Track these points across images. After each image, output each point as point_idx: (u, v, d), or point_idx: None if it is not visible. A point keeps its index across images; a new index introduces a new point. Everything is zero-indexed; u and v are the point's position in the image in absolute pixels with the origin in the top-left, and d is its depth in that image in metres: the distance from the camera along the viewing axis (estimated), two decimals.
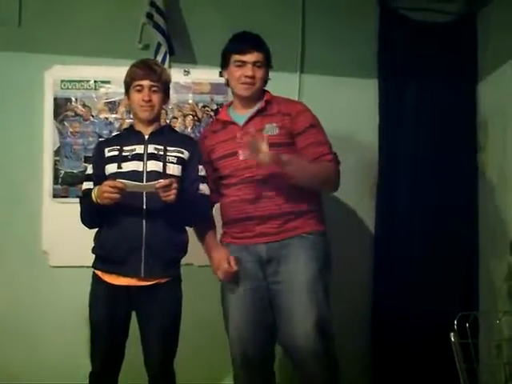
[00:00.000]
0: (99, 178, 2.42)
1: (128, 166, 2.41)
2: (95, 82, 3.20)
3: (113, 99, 3.21)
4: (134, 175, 2.37)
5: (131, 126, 2.58)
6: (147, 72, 2.44)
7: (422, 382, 3.19)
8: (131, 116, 3.17)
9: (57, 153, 3.17)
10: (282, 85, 3.28)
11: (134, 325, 2.48)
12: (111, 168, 2.43)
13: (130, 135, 2.51)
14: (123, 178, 2.31)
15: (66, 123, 3.18)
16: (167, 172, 2.41)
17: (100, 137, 3.14)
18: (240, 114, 2.57)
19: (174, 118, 3.22)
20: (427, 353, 3.21)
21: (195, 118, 3.26)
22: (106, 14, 3.20)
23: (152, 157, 2.43)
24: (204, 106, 3.27)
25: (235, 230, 2.54)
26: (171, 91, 2.65)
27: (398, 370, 3.25)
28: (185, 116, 3.25)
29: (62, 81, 3.18)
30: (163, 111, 2.86)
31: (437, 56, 3.36)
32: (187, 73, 3.20)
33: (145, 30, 3.13)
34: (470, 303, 3.30)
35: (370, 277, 3.36)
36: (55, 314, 3.15)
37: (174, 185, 2.28)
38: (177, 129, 3.08)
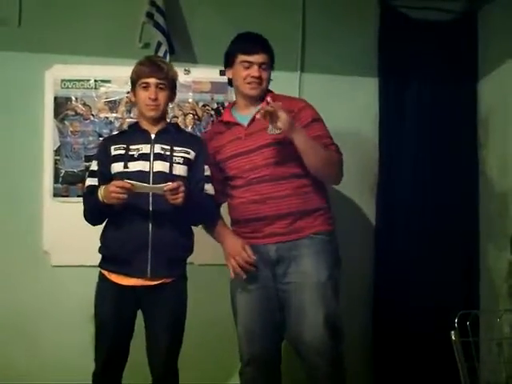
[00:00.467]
0: (105, 176, 2.42)
1: (134, 166, 2.41)
2: (95, 81, 3.20)
3: (113, 98, 3.21)
4: (140, 175, 2.37)
5: (137, 124, 2.55)
6: (154, 69, 2.42)
7: (422, 380, 3.20)
8: (131, 115, 3.20)
9: (57, 152, 3.17)
10: (282, 84, 3.28)
11: (138, 325, 2.48)
12: (117, 167, 2.42)
13: (136, 133, 2.49)
14: (129, 178, 2.31)
15: (66, 122, 3.18)
16: (173, 173, 2.41)
17: (100, 136, 3.14)
18: (243, 115, 2.58)
19: (175, 116, 3.22)
20: (428, 350, 3.22)
21: (195, 116, 3.26)
22: (107, 13, 3.20)
23: (158, 157, 2.42)
24: (204, 105, 3.27)
25: (244, 231, 2.55)
26: None
27: (398, 368, 3.26)
28: (185, 115, 3.26)
29: (63, 80, 3.18)
30: None
31: (437, 54, 3.36)
32: (187, 72, 3.20)
33: (145, 29, 3.13)
34: (470, 301, 3.30)
35: (371, 274, 3.36)
36: (57, 314, 3.15)
37: (182, 188, 2.27)
38: None
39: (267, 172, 2.46)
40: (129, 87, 3.02)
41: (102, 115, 3.21)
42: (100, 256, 2.48)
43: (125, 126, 3.15)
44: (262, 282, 2.50)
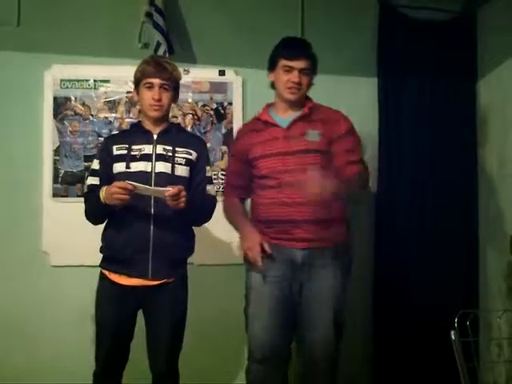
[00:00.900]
0: (107, 175, 2.42)
1: (136, 166, 2.40)
2: (95, 81, 3.20)
3: (112, 98, 3.21)
4: (143, 176, 2.37)
5: (139, 124, 2.54)
6: (158, 70, 2.41)
7: (422, 380, 3.20)
8: (131, 115, 3.19)
9: (56, 152, 3.17)
10: None
11: (138, 325, 2.48)
12: (119, 167, 2.41)
13: (138, 133, 2.49)
14: (131, 178, 2.30)
15: (65, 122, 3.18)
16: (175, 173, 2.41)
17: (99, 136, 3.14)
18: (282, 117, 2.60)
19: (174, 116, 3.21)
20: (427, 350, 3.22)
21: (195, 116, 3.26)
22: (106, 13, 3.20)
23: (161, 158, 2.42)
24: (203, 105, 3.27)
25: (270, 231, 2.56)
26: None
27: (398, 367, 3.26)
28: (184, 115, 3.25)
29: (62, 80, 3.17)
30: None
31: (436, 54, 3.36)
32: (187, 72, 3.19)
33: (144, 29, 3.12)
34: (469, 301, 3.31)
35: (371, 275, 3.36)
36: (56, 314, 3.14)
37: (183, 193, 2.27)
38: None
39: (302, 176, 2.46)
40: (128, 87, 3.04)
41: (102, 115, 3.21)
42: (100, 256, 2.47)
43: (124, 126, 3.15)
44: (283, 284, 2.53)
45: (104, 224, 2.47)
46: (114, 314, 2.40)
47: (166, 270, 2.40)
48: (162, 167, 2.40)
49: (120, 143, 2.45)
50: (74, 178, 3.16)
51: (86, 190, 2.54)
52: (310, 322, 2.52)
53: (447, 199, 3.35)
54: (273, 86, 2.64)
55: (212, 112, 3.27)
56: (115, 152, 2.44)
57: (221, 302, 3.23)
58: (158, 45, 3.06)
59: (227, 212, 2.71)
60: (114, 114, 3.21)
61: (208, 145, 3.13)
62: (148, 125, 2.49)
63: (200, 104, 3.27)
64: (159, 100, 2.41)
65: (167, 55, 3.00)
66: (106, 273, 2.43)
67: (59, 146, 3.17)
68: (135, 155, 2.41)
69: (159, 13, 3.07)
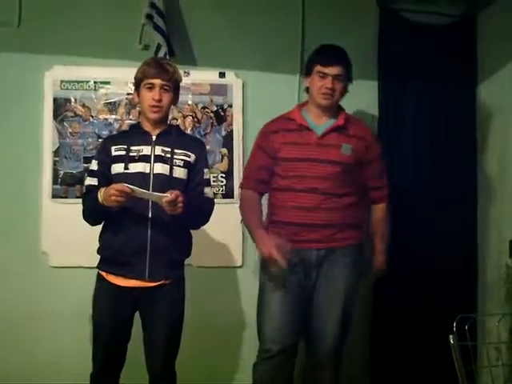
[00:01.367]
0: (105, 176, 2.42)
1: (135, 167, 2.40)
2: (95, 82, 3.20)
3: (112, 100, 3.21)
4: (141, 177, 2.37)
5: (138, 125, 2.55)
6: (159, 71, 2.42)
7: None
8: (131, 117, 3.19)
9: (56, 153, 3.17)
10: (282, 87, 3.30)
11: (135, 326, 2.48)
12: (118, 168, 2.42)
13: (137, 134, 2.49)
14: (129, 180, 2.31)
15: (65, 124, 3.18)
16: (174, 175, 2.41)
17: (99, 137, 3.14)
18: (316, 123, 2.66)
19: (174, 118, 3.21)
20: (426, 354, 3.22)
21: (195, 119, 3.26)
22: (106, 14, 3.20)
23: (159, 159, 2.42)
24: (203, 107, 3.27)
25: (285, 232, 2.60)
26: None
27: (397, 371, 3.26)
28: (184, 117, 3.25)
29: (62, 81, 3.17)
30: None
31: (437, 58, 3.36)
32: (187, 74, 3.19)
33: (145, 31, 3.12)
34: (468, 305, 3.30)
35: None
36: (55, 315, 3.14)
37: (180, 198, 2.27)
38: None
39: (327, 185, 2.58)
40: (128, 89, 3.05)
41: (102, 117, 3.21)
42: (98, 257, 2.48)
43: (124, 128, 3.15)
44: (299, 283, 2.61)
45: (101, 225, 2.47)
46: (110, 315, 2.40)
47: (163, 271, 2.40)
48: (160, 169, 2.41)
49: (118, 144, 2.45)
50: (74, 180, 3.16)
51: (83, 191, 2.54)
52: (320, 321, 2.61)
53: (446, 203, 3.35)
54: (307, 90, 2.71)
55: (212, 114, 3.27)
56: (114, 153, 2.44)
57: (219, 304, 3.24)
58: (159, 47, 3.06)
59: (244, 207, 2.73)
60: (114, 116, 3.21)
61: (208, 147, 3.13)
62: (147, 126, 2.49)
63: (200, 106, 3.27)
64: (159, 101, 2.41)
65: (168, 57, 3.00)
66: (103, 274, 2.43)
67: (59, 147, 3.17)
68: (134, 156, 2.42)
69: (160, 15, 3.07)
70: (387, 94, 3.36)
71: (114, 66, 3.17)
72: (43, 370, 3.09)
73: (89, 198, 2.42)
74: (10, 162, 3.16)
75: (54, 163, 3.16)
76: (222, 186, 3.25)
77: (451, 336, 2.02)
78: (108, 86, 3.21)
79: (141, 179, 2.36)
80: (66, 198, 3.15)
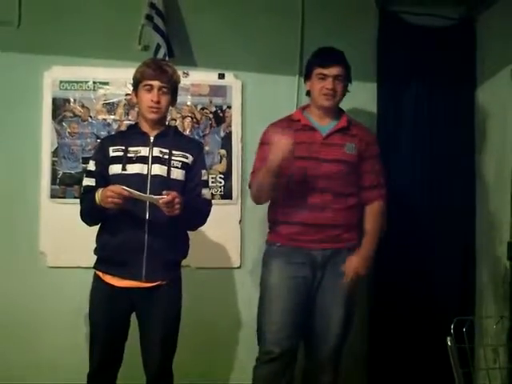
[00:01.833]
0: (103, 177, 2.42)
1: (132, 168, 2.41)
2: (94, 82, 3.20)
3: (111, 100, 3.21)
4: (138, 178, 2.37)
5: (136, 126, 2.55)
6: (158, 72, 2.42)
7: None
8: (130, 117, 3.19)
9: (55, 153, 3.17)
10: (281, 88, 3.30)
11: (133, 326, 2.48)
12: (115, 169, 2.42)
13: (135, 135, 2.49)
14: (127, 181, 2.31)
15: (64, 124, 3.18)
16: (171, 177, 2.41)
17: (98, 138, 3.13)
18: (320, 124, 2.70)
19: (173, 119, 3.21)
20: (423, 356, 3.21)
21: (194, 120, 3.26)
22: (106, 15, 3.20)
23: (157, 160, 2.42)
24: (203, 108, 3.27)
25: (291, 231, 2.63)
26: None
27: (394, 373, 3.25)
28: (183, 118, 3.25)
29: (61, 81, 3.17)
30: None
31: (436, 60, 3.36)
32: (186, 75, 3.20)
33: (144, 32, 3.12)
34: (466, 307, 3.30)
35: (367, 281, 3.35)
36: (53, 315, 3.14)
37: (177, 199, 2.27)
38: None
39: (332, 185, 2.61)
40: (127, 89, 3.04)
41: (100, 117, 3.21)
42: (95, 257, 2.48)
43: (122, 129, 3.15)
44: (304, 283, 2.62)
45: (99, 225, 2.47)
46: (107, 316, 2.41)
47: (160, 272, 2.40)
48: (158, 170, 2.41)
49: (116, 145, 2.45)
50: (72, 180, 3.16)
51: (81, 191, 2.54)
52: (323, 320, 2.64)
53: (445, 204, 3.35)
54: (308, 93, 2.74)
55: (211, 115, 3.27)
56: (111, 153, 2.44)
57: (217, 305, 3.24)
58: (158, 47, 3.06)
59: (255, 187, 2.65)
60: (112, 116, 3.21)
61: (206, 148, 3.14)
62: (145, 127, 2.49)
63: (199, 107, 3.27)
64: (158, 102, 2.41)
65: (167, 58, 3.00)
66: (100, 274, 2.44)
67: (57, 148, 3.17)
68: (131, 157, 2.42)
69: (159, 15, 3.07)
70: (386, 96, 3.36)
71: (113, 66, 3.18)
72: (40, 369, 3.09)
73: (86, 199, 2.42)
74: (8, 162, 3.16)
75: (53, 163, 3.16)
76: (220, 187, 3.24)
77: (449, 338, 2.02)
78: (107, 87, 3.21)
79: (138, 180, 2.36)
80: (64, 198, 3.15)
